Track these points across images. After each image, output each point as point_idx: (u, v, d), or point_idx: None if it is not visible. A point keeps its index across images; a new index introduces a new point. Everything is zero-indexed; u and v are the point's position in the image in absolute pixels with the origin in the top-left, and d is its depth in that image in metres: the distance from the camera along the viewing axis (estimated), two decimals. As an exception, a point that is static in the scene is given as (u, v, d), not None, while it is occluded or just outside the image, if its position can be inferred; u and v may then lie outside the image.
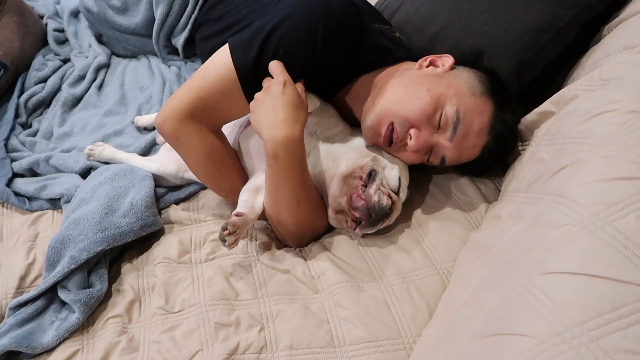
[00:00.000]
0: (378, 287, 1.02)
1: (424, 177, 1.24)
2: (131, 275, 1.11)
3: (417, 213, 1.15)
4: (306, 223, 1.10)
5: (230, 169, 1.16)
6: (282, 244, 1.19)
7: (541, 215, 0.75)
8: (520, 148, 1.12)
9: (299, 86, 1.03)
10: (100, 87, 1.68)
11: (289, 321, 0.97)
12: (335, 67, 1.07)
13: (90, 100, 1.62)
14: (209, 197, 1.29)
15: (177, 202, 1.28)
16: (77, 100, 1.63)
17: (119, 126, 1.50)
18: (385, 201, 1.02)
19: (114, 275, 1.12)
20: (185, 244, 1.15)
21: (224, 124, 1.15)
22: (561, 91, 1.01)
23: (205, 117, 1.09)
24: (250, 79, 1.03)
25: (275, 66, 1.01)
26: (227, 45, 1.05)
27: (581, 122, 0.86)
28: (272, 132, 0.97)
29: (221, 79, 1.04)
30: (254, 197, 1.11)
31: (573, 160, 0.78)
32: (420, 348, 0.87)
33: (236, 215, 1.04)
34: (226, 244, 1.01)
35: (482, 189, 1.17)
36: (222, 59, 1.04)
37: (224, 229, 1.01)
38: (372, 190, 1.03)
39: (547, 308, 0.60)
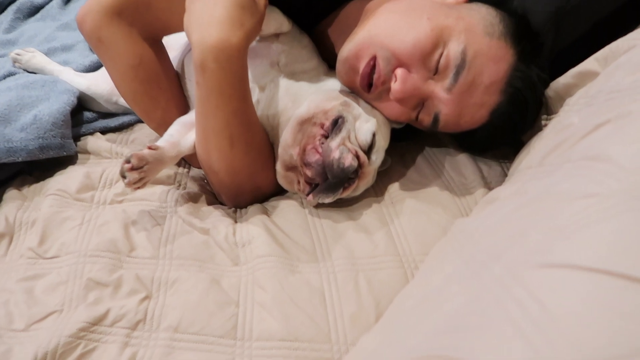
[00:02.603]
0: (317, 271, 0.75)
1: (414, 147, 0.97)
2: (12, 204, 0.87)
3: (394, 188, 0.88)
4: (243, 173, 0.83)
5: (164, 94, 0.91)
6: (216, 201, 0.93)
7: (554, 185, 0.47)
8: (543, 122, 0.83)
9: None
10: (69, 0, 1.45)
11: (185, 294, 0.71)
12: None
13: (51, 12, 1.40)
14: (145, 132, 1.04)
15: (104, 131, 1.04)
16: (35, 9, 1.41)
17: (70, 41, 1.26)
18: (349, 161, 0.75)
19: (-6, 202, 0.88)
20: (92, 179, 0.90)
21: (163, 34, 0.90)
22: (613, 44, 0.72)
23: (138, 17, 0.84)
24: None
25: None
26: None
27: (637, 71, 0.58)
28: (202, 34, 0.71)
29: None
30: (184, 132, 0.86)
31: (619, 114, 0.50)
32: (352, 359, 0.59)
33: (149, 148, 0.78)
34: (126, 180, 0.76)
35: (484, 170, 0.89)
36: None
37: (127, 161, 0.76)
38: (333, 143, 0.77)
39: (533, 322, 0.33)
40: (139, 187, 0.78)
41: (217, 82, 0.73)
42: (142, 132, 1.04)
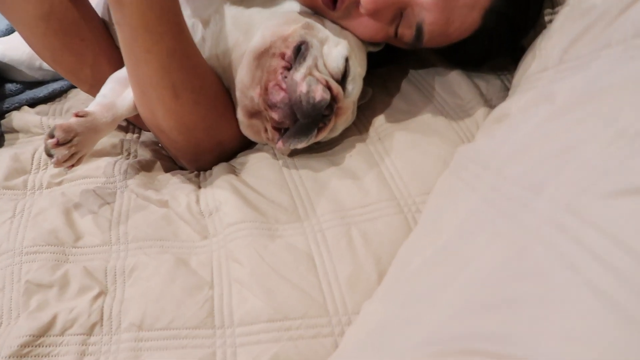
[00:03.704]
0: (301, 232, 0.62)
1: (396, 71, 0.82)
2: None
3: (379, 121, 0.74)
4: (198, 128, 0.69)
5: (89, 47, 0.75)
6: (175, 166, 0.79)
7: (598, 79, 0.34)
8: (547, 18, 0.69)
9: None
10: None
11: (146, 282, 0.59)
12: None
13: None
14: (81, 98, 0.88)
15: (32, 104, 0.88)
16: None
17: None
18: (319, 93, 0.62)
19: None
20: (22, 162, 0.76)
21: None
22: None
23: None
24: None
25: None
26: None
27: None
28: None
29: None
30: (119, 90, 0.71)
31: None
32: (351, 338, 0.48)
33: (76, 115, 0.64)
34: (53, 159, 0.62)
35: (481, 87, 0.75)
36: None
37: (50, 135, 0.61)
38: (298, 74, 0.63)
39: (617, 275, 0.21)
40: (73, 165, 0.64)
41: (141, 18, 0.57)
42: (78, 99, 0.88)
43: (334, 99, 0.64)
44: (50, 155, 0.62)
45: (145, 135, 0.82)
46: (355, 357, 0.40)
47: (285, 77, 0.63)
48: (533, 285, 0.24)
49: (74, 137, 0.63)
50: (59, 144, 0.61)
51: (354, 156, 0.70)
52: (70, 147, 0.62)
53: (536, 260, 0.25)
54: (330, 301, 0.56)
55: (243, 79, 0.67)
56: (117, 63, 0.77)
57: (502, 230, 0.30)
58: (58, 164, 0.62)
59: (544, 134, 0.34)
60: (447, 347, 0.25)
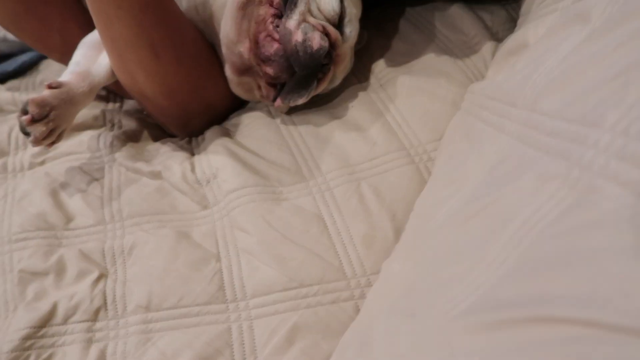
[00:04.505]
0: (308, 192, 0.58)
1: (391, 11, 0.76)
2: None
3: (379, 66, 0.69)
4: (183, 90, 0.64)
5: (55, 10, 0.68)
6: (164, 134, 0.74)
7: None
8: None
9: None
10: None
11: (148, 260, 0.55)
12: None
13: None
14: (54, 69, 0.82)
15: (1, 80, 0.81)
16: None
17: None
18: (317, 41, 0.56)
19: None
20: (-1, 143, 0.70)
21: None
22: None
23: None
24: None
25: None
26: None
27: None
28: None
29: None
30: (93, 56, 0.64)
31: None
32: (376, 302, 0.45)
33: (49, 87, 0.58)
34: (31, 137, 0.56)
35: (485, 19, 0.70)
36: None
37: (24, 111, 0.56)
38: (291, 22, 0.57)
39: None
40: (53, 143, 0.59)
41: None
42: (51, 70, 0.81)
43: (332, 45, 0.58)
44: (26, 134, 0.57)
45: (129, 104, 0.76)
46: (385, 324, 0.36)
47: (277, 26, 0.57)
48: (612, 234, 0.20)
49: (50, 111, 0.57)
50: (34, 121, 0.56)
51: (356, 106, 0.65)
52: (47, 123, 0.57)
53: (608, 206, 0.21)
54: (346, 263, 0.53)
55: (228, 32, 0.60)
56: (88, 26, 0.70)
57: (555, 172, 0.25)
58: (36, 142, 0.57)
59: (588, 57, 0.29)
60: (507, 314, 0.22)
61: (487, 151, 0.39)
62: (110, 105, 0.76)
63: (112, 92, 0.78)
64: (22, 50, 0.84)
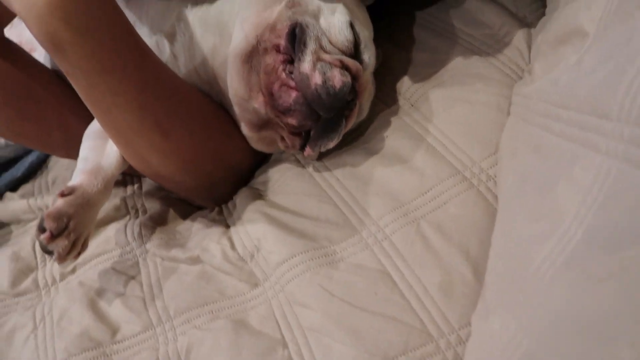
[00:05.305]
0: (363, 245, 0.52)
1: (400, 20, 0.70)
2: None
3: (404, 84, 0.62)
4: (201, 161, 0.59)
5: (49, 107, 0.64)
6: (191, 207, 0.68)
7: None
8: None
9: None
10: None
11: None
12: None
13: None
14: (63, 164, 0.77)
15: (13, 187, 0.77)
16: None
17: None
18: (339, 78, 0.50)
19: None
20: (25, 259, 0.66)
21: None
22: None
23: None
24: None
25: None
26: None
27: None
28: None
29: None
30: (101, 146, 0.60)
31: None
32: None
33: (61, 195, 0.53)
34: (54, 256, 0.52)
35: (508, 5, 0.63)
36: None
37: (41, 229, 0.51)
38: (305, 64, 0.51)
39: None
40: (79, 253, 0.54)
41: (91, 59, 0.45)
42: (61, 165, 0.77)
43: (354, 78, 0.52)
44: (49, 253, 0.52)
45: (148, 183, 0.71)
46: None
47: (290, 72, 0.51)
48: None
49: (68, 222, 0.52)
50: (54, 237, 0.51)
51: (391, 135, 0.58)
52: (68, 235, 0.52)
53: None
54: (429, 321, 0.46)
55: (237, 90, 0.55)
56: (89, 115, 0.66)
57: None
58: (61, 259, 0.52)
59: None
60: None
61: (581, 177, 0.33)
62: (130, 190, 0.72)
63: (128, 174, 0.74)
64: (27, 151, 0.80)
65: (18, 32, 0.69)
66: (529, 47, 0.58)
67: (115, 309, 0.56)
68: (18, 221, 0.72)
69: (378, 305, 0.47)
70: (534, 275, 0.35)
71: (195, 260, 0.58)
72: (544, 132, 0.41)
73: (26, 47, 0.66)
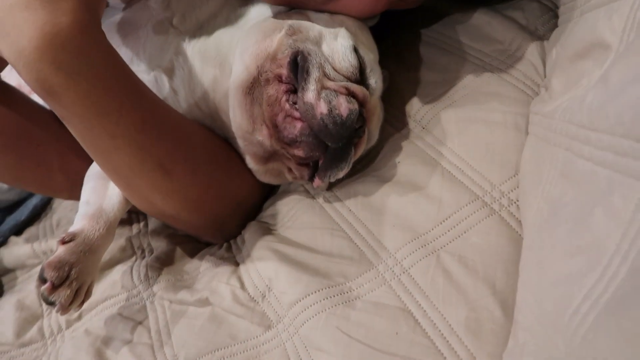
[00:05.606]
0: (380, 281, 0.49)
1: (405, 39, 0.67)
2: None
3: (414, 106, 0.60)
4: (207, 198, 0.56)
5: (49, 149, 0.62)
6: (199, 245, 0.66)
7: None
8: None
9: None
10: None
11: (223, 416, 0.46)
12: None
13: None
14: (67, 205, 0.75)
15: (18, 231, 0.75)
16: None
17: None
18: (345, 106, 0.48)
19: None
20: (29, 307, 0.64)
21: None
22: None
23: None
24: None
25: None
26: None
27: None
28: (13, 40, 0.41)
29: None
30: (103, 189, 0.58)
31: None
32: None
33: (62, 242, 0.51)
34: (56, 307, 0.49)
35: (518, 18, 0.60)
36: None
37: (41, 279, 0.49)
38: (309, 93, 0.48)
39: None
40: (83, 302, 0.52)
41: (86, 102, 0.44)
42: (65, 207, 0.75)
43: (361, 104, 0.50)
44: (51, 304, 0.49)
45: (154, 221, 0.69)
46: None
47: (294, 102, 0.49)
48: None
49: (70, 270, 0.50)
50: (55, 287, 0.49)
51: (404, 161, 0.56)
52: (70, 284, 0.50)
53: None
54: (455, 362, 0.42)
55: (240, 123, 0.53)
56: (89, 156, 0.64)
57: None
58: (64, 310, 0.49)
59: None
60: None
61: (622, 207, 0.29)
62: (135, 228, 0.70)
63: (133, 211, 0.71)
64: (30, 194, 0.78)
65: (17, 75, 0.68)
66: (544, 61, 0.55)
67: (122, 357, 0.53)
68: (23, 266, 0.70)
69: (400, 348, 0.44)
70: (572, 318, 0.31)
71: (205, 303, 0.55)
72: (571, 155, 0.38)
73: (26, 89, 0.65)
